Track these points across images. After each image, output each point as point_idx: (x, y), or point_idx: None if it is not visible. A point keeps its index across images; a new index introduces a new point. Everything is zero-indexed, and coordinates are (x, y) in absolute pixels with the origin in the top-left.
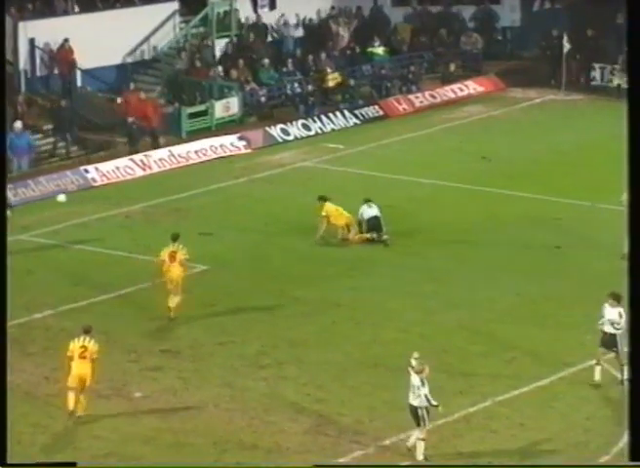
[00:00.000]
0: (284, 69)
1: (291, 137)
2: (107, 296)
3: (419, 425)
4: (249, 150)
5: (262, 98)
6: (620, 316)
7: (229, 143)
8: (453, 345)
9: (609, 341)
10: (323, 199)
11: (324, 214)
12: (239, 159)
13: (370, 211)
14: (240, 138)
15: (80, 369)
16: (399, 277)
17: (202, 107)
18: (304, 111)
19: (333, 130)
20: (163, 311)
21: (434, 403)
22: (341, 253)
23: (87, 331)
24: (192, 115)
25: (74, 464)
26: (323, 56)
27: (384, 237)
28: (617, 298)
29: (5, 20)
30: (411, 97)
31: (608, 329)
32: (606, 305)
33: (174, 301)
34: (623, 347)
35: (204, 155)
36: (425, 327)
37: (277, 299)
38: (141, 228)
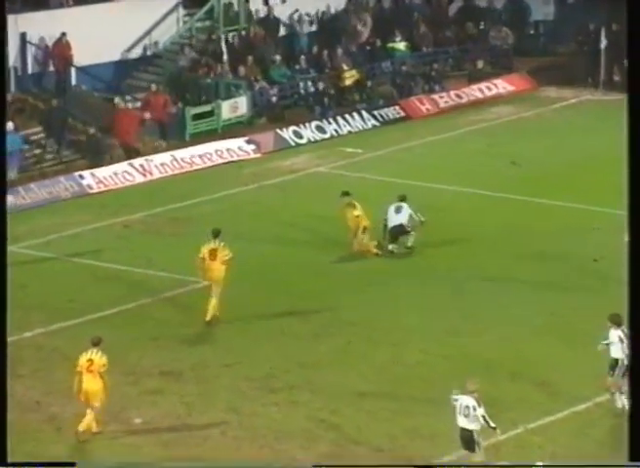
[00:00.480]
0: (297, 66)
1: (304, 141)
2: (104, 313)
3: (472, 451)
4: (258, 155)
5: (273, 98)
6: (621, 340)
7: (237, 147)
8: (479, 367)
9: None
10: (347, 194)
11: (357, 213)
12: (248, 164)
13: (395, 217)
14: (249, 142)
15: (87, 383)
16: (420, 292)
17: (207, 108)
18: (319, 112)
19: (350, 132)
20: (164, 329)
21: (493, 424)
22: (358, 265)
23: (95, 344)
24: (197, 116)
25: (74, 464)
26: (339, 51)
27: (390, 247)
28: (616, 321)
29: (5, 21)
30: (434, 96)
31: (614, 353)
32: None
33: (212, 304)
34: (622, 373)
35: (209, 160)
36: (449, 347)
37: (288, 317)
38: (141, 239)
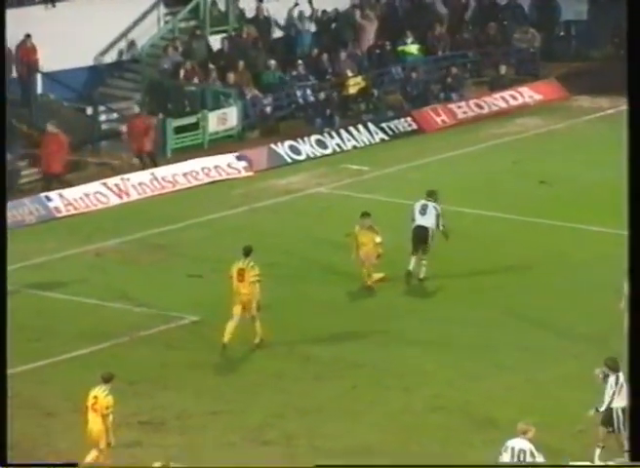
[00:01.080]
0: (294, 72)
1: (302, 157)
2: (74, 354)
3: None
4: (250, 173)
5: (267, 108)
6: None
7: (226, 164)
8: (502, 416)
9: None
10: (367, 215)
11: (379, 240)
12: (238, 183)
13: (421, 219)
14: (239, 158)
15: (91, 423)
16: (435, 330)
17: (192, 119)
18: (319, 124)
19: (355, 147)
20: (143, 372)
21: None
22: (364, 299)
23: (106, 380)
24: (180, 129)
25: (75, 464)
26: (342, 55)
27: (410, 266)
28: (613, 366)
29: (5, 21)
30: (452, 106)
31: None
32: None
33: (256, 328)
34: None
35: (194, 179)
36: (468, 393)
37: (285, 358)
38: (117, 269)
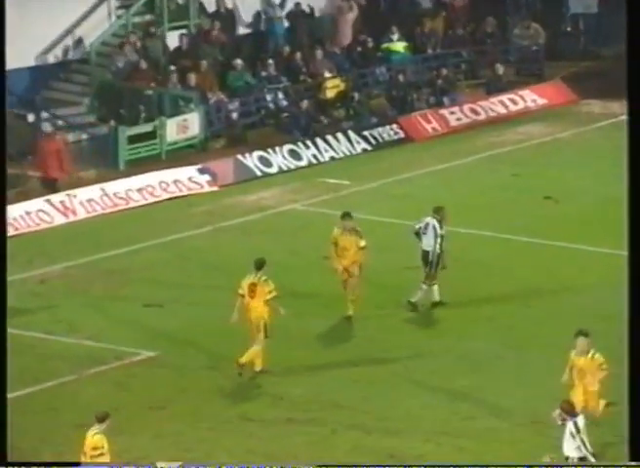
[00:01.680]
0: (264, 73)
1: (274, 170)
2: (14, 395)
3: None
4: (214, 188)
5: (234, 114)
6: (573, 436)
7: (187, 178)
8: (501, 461)
9: None
10: (349, 217)
11: (364, 244)
12: (201, 200)
13: (422, 239)
14: (202, 171)
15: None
16: (425, 366)
17: (148, 127)
18: (293, 133)
19: (333, 159)
20: (92, 414)
21: None
22: (344, 330)
23: (99, 421)
24: (134, 138)
25: (77, 464)
26: (319, 54)
27: (414, 300)
28: (567, 409)
29: (5, 22)
30: (443, 112)
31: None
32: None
33: (251, 353)
34: None
35: (151, 195)
36: (463, 437)
37: (254, 399)
38: (63, 298)
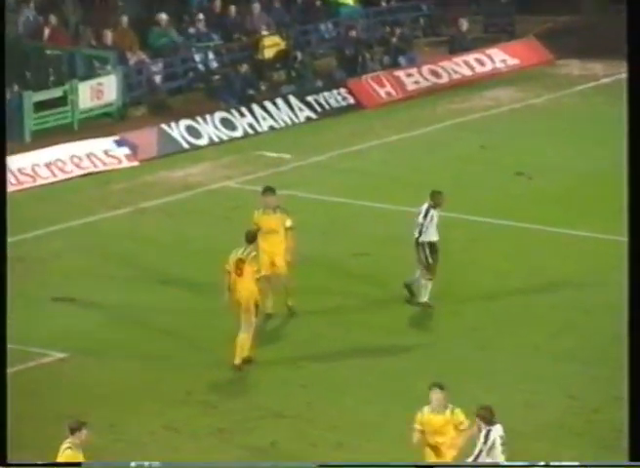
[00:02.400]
0: (192, 30)
1: (203, 142)
2: None
3: None
4: (134, 162)
5: (157, 78)
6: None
7: (102, 151)
8: None
9: None
10: (272, 192)
11: (290, 224)
12: (119, 176)
13: (430, 229)
14: (120, 143)
15: None
16: (376, 367)
17: (58, 92)
18: (226, 99)
19: (272, 129)
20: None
21: None
22: (282, 328)
23: (72, 431)
24: (42, 105)
25: (78, 465)
26: (256, 8)
27: (422, 300)
28: (485, 417)
29: (5, 22)
30: (399, 74)
31: None
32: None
33: (240, 345)
34: None
35: (61, 171)
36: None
37: (179, 407)
38: None
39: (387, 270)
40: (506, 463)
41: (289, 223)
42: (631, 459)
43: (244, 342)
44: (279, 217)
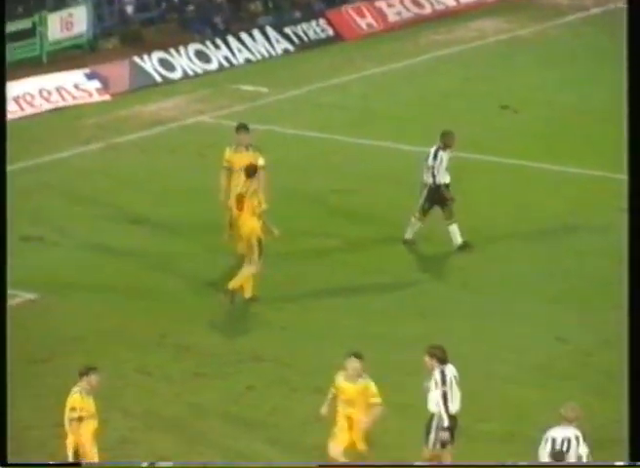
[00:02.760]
0: None
1: (177, 75)
2: None
3: None
4: (106, 96)
5: (129, 8)
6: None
7: (73, 85)
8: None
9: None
10: (245, 129)
11: (262, 162)
12: (90, 111)
13: (441, 172)
14: (91, 77)
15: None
16: (357, 309)
17: (25, 24)
18: (200, 30)
19: (248, 62)
20: None
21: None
22: (261, 269)
23: (80, 376)
24: (9, 37)
25: (76, 464)
26: None
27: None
28: (438, 356)
29: (5, 22)
30: (381, 4)
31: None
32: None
33: (242, 275)
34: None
35: (29, 105)
36: (404, 394)
37: (155, 350)
38: None
39: (369, 207)
40: (507, 463)
41: (261, 162)
42: (631, 459)
43: (246, 277)
44: (251, 156)
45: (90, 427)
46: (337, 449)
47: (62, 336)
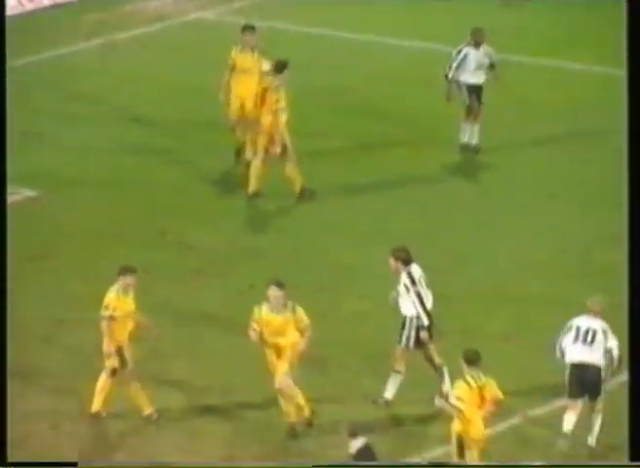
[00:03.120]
0: None
1: None
2: None
3: (595, 397)
4: None
5: None
6: (407, 288)
7: None
8: (452, 321)
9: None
10: (251, 30)
11: (267, 66)
12: (89, 6)
13: (470, 68)
14: None
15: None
16: (358, 207)
17: None
18: None
19: None
20: None
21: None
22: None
23: (119, 273)
24: None
25: (75, 464)
26: None
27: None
28: (402, 257)
29: (5, 20)
30: None
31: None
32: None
33: (253, 173)
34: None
35: (29, 0)
36: None
37: (157, 249)
38: None
39: (375, 106)
40: (507, 463)
41: (266, 66)
42: (631, 459)
43: (257, 171)
44: (256, 59)
45: (125, 327)
46: (284, 380)
47: (63, 233)
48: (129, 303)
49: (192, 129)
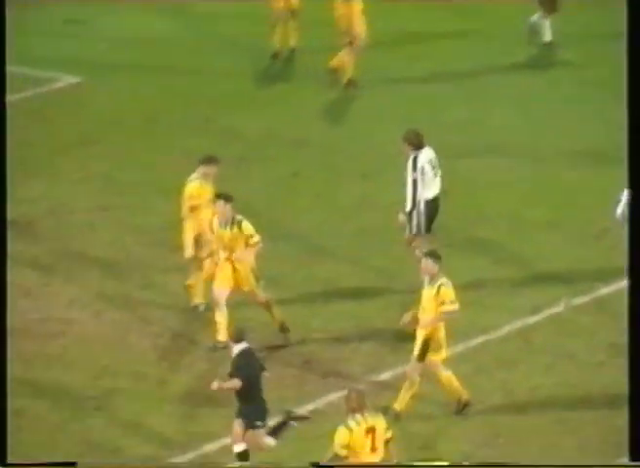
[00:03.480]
0: None
1: None
2: None
3: None
4: None
5: None
6: None
7: None
8: (497, 208)
9: None
10: None
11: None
12: None
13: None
14: None
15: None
16: (402, 94)
17: None
18: None
19: None
20: None
21: None
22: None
23: (202, 162)
24: None
25: (74, 464)
26: None
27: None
28: (415, 141)
29: (5, 20)
30: None
31: None
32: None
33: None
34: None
35: None
36: (456, 175)
37: (201, 135)
38: None
39: None
40: (505, 463)
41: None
42: (631, 459)
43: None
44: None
45: (207, 215)
46: (221, 293)
47: (106, 120)
48: (209, 191)
49: (240, 19)
